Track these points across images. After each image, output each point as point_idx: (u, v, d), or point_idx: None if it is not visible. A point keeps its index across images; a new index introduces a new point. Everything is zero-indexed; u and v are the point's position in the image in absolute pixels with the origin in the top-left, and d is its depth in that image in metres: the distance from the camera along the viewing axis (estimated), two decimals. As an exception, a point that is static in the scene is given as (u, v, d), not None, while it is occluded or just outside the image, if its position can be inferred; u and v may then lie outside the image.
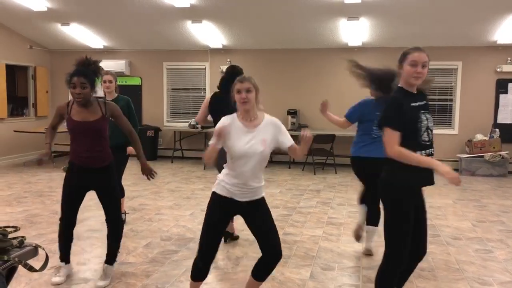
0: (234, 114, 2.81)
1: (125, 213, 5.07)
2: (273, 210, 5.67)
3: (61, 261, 3.52)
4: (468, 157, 8.59)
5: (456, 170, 8.80)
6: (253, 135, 2.73)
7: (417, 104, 2.62)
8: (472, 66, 8.85)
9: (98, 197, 3.45)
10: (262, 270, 2.83)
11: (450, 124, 9.09)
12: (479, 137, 8.59)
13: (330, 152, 8.70)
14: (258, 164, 2.75)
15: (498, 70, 8.69)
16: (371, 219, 4.10)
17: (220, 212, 2.82)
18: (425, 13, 7.42)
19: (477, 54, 8.79)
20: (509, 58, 8.66)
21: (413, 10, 7.34)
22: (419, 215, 2.71)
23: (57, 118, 3.45)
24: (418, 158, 2.55)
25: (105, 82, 4.72)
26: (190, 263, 3.84)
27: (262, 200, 2.90)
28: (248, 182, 2.75)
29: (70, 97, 3.37)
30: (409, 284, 3.46)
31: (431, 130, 2.66)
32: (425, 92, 2.76)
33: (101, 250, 4.16)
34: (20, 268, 2.23)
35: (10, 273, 2.26)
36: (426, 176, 2.65)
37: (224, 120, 2.80)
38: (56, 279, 3.43)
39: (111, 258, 3.53)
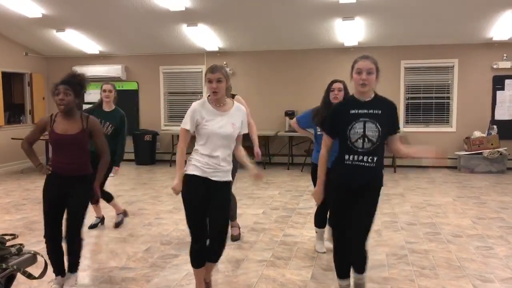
0: (205, 98, 3.03)
1: (124, 213, 5.19)
2: (273, 211, 5.70)
3: (56, 275, 3.34)
4: (466, 154, 8.59)
5: (455, 167, 8.82)
6: (223, 119, 2.97)
7: (357, 111, 2.79)
8: (468, 64, 8.86)
9: (67, 205, 3.28)
10: (209, 253, 3.06)
11: (448, 122, 9.10)
12: (477, 134, 8.59)
13: (329, 152, 8.67)
14: (227, 145, 3.00)
15: (494, 66, 8.70)
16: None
17: (197, 191, 2.96)
18: (420, 11, 7.43)
19: (473, 51, 8.80)
20: (505, 55, 8.67)
21: (408, 9, 7.35)
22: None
23: (38, 133, 3.39)
24: (320, 166, 3.01)
25: (104, 91, 4.82)
26: (190, 267, 3.83)
27: (228, 184, 3.10)
28: (220, 162, 2.96)
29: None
30: (410, 283, 3.46)
31: (369, 139, 2.75)
32: (387, 102, 2.85)
33: (100, 255, 4.15)
34: (19, 275, 2.22)
35: (9, 281, 2.25)
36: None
37: (196, 105, 2.99)
38: None
39: (71, 266, 3.32)
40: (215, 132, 2.94)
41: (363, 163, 2.77)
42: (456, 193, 6.78)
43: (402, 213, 5.60)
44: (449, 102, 9.07)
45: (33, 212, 5.74)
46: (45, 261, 2.32)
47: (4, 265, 2.11)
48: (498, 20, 7.68)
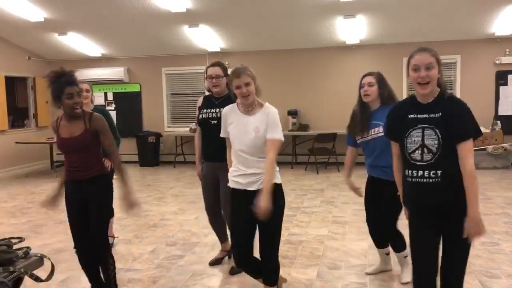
0: (235, 104, 2.87)
1: (113, 237, 4.62)
2: (278, 211, 5.69)
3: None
4: (470, 150, 8.55)
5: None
6: (248, 122, 2.76)
7: (416, 116, 2.29)
8: (471, 59, 8.84)
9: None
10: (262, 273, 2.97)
11: (451, 118, 9.07)
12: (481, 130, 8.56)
13: (332, 151, 8.69)
14: (252, 150, 2.74)
15: (497, 62, 8.67)
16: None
17: (237, 204, 2.87)
18: (421, 7, 7.41)
19: (476, 47, 8.77)
20: (507, 50, 8.65)
21: (410, 5, 7.34)
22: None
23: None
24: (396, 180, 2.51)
25: (81, 91, 4.27)
26: (196, 267, 3.85)
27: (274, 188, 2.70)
28: (249, 169, 2.75)
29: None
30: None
31: (429, 149, 2.24)
32: (451, 101, 2.32)
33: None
34: (27, 278, 2.23)
35: (17, 284, 2.26)
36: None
37: (226, 109, 2.90)
38: None
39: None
40: (237, 137, 2.79)
41: (424, 179, 2.26)
42: (461, 189, 6.75)
43: (407, 210, 5.59)
44: (452, 98, 9.04)
45: (38, 216, 5.76)
46: (52, 264, 2.33)
47: (11, 268, 2.12)
48: (500, 15, 7.65)
